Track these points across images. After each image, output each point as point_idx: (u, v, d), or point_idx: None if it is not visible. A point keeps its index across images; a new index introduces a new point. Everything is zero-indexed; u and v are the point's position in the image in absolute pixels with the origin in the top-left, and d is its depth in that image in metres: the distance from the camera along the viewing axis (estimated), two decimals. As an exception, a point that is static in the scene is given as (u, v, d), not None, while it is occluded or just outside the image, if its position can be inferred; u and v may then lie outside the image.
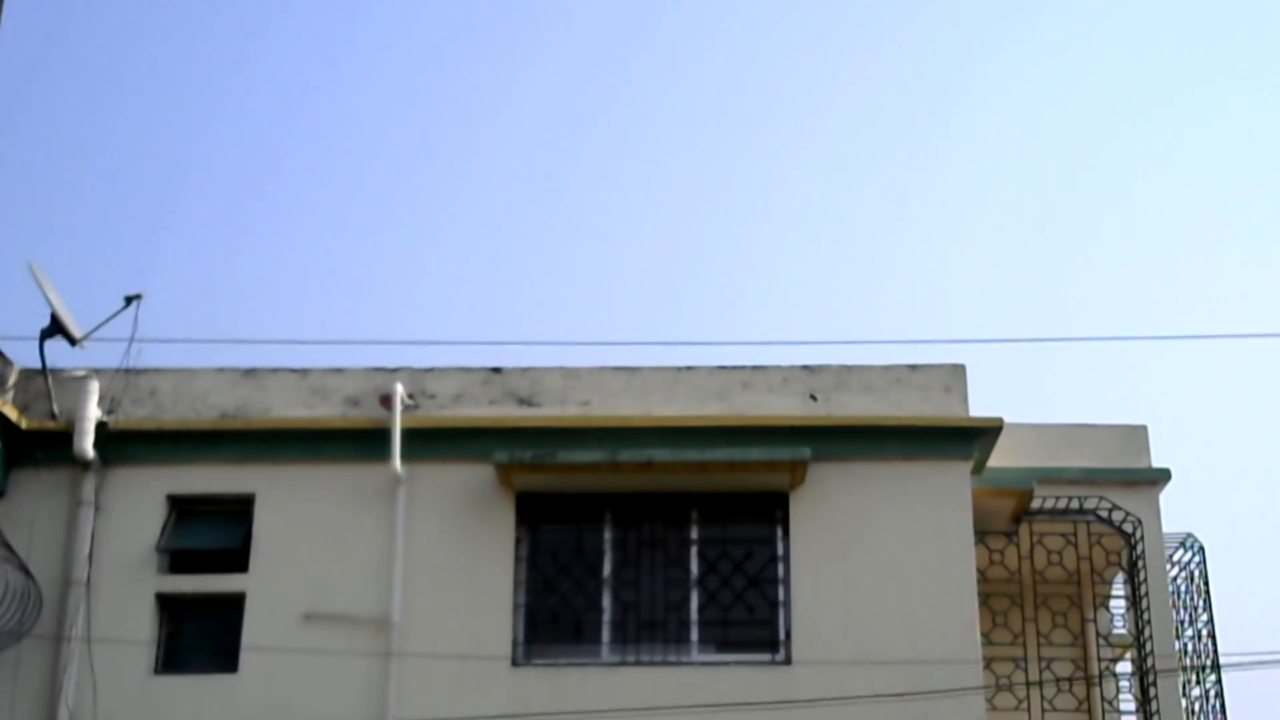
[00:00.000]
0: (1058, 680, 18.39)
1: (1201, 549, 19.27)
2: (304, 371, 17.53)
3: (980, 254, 43.79)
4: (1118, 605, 19.10)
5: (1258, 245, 43.25)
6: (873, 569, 16.66)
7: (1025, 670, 18.23)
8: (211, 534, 16.98)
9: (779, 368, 17.47)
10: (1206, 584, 19.09)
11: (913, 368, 17.52)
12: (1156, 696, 17.63)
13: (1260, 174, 43.50)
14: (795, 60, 44.27)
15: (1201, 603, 19.03)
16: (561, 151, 43.97)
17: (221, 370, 17.56)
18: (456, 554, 16.72)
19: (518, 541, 16.85)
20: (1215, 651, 18.68)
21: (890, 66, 44.46)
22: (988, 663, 17.06)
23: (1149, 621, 17.91)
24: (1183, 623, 19.05)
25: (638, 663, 16.51)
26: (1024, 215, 43.84)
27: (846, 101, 44.64)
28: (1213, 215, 43.64)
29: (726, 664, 16.48)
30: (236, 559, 16.89)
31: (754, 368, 17.47)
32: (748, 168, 44.23)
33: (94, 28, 41.96)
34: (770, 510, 16.99)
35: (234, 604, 16.74)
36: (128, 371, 17.35)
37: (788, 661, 16.43)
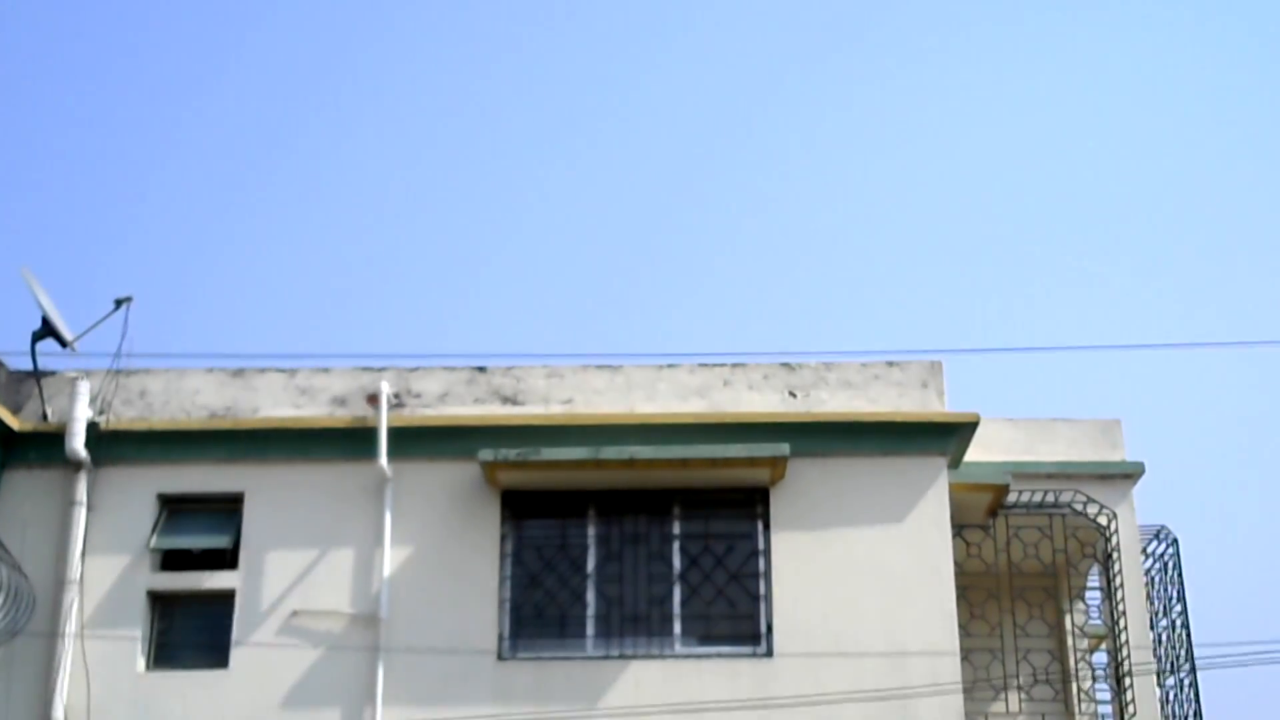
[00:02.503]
0: (1034, 671, 18.64)
1: (1175, 541, 19.47)
2: (291, 371, 17.71)
3: (962, 255, 44.03)
4: (1093, 597, 19.30)
5: (1233, 248, 43.56)
6: (852, 562, 16.83)
7: (1002, 661, 18.45)
8: (202, 532, 17.13)
9: (759, 365, 17.66)
10: (1180, 575, 19.30)
11: (890, 364, 17.70)
12: (1131, 686, 17.83)
13: (1233, 186, 43.85)
14: (778, 63, 44.47)
15: (1175, 594, 19.25)
16: (546, 154, 44.15)
17: (210, 371, 17.73)
18: (443, 550, 16.91)
19: (503, 538, 17.03)
20: (1189, 642, 18.89)
21: (871, 72, 44.69)
22: (965, 654, 17.28)
23: (1124, 613, 18.13)
24: (1157, 614, 19.26)
25: (621, 656, 16.66)
26: (1005, 217, 44.08)
27: (832, 103, 44.86)
28: (1188, 220, 43.94)
29: (709, 657, 16.64)
30: (226, 556, 17.08)
31: (734, 365, 17.66)
32: (730, 168, 44.43)
33: (84, 33, 42.08)
34: (751, 505, 17.16)
35: (224, 601, 16.91)
36: (118, 373, 17.53)
37: (769, 654, 16.60)
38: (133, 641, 16.71)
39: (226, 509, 17.23)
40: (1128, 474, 18.93)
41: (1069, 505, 18.40)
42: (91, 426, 17.07)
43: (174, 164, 43.02)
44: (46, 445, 17.08)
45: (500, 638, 16.70)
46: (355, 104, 43.79)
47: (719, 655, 16.65)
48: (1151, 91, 45.05)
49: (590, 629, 16.85)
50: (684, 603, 16.92)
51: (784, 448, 16.68)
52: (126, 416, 17.38)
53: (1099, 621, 19.03)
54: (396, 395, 17.44)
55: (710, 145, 45.07)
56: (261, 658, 16.61)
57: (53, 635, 16.54)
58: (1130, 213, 44.35)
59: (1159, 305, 43.05)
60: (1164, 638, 19.13)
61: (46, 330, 17.55)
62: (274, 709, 16.47)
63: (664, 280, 44.04)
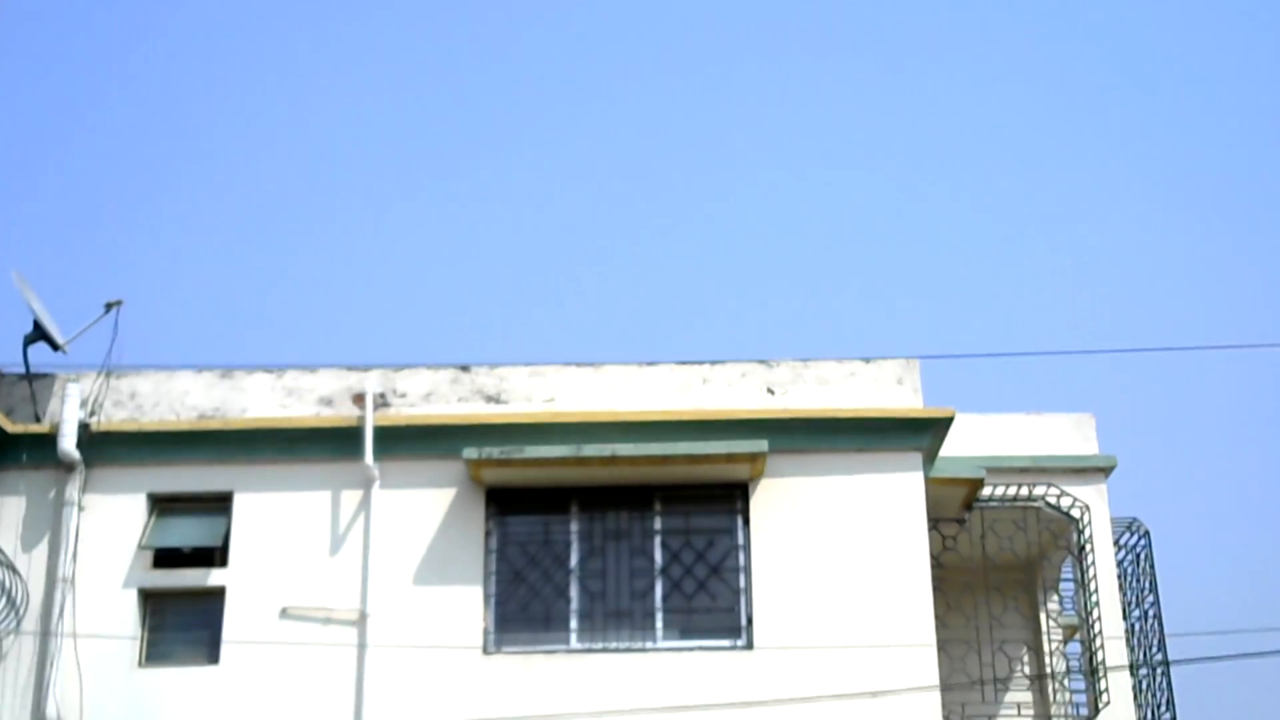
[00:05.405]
0: (1010, 662, 18.89)
1: (1147, 533, 19.71)
2: (279, 372, 17.93)
3: (941, 254, 44.28)
4: (1067, 589, 19.53)
5: (1209, 249, 43.89)
6: (830, 556, 17.05)
7: (978, 652, 18.67)
8: (192, 531, 17.33)
9: (737, 362, 17.87)
10: (1152, 567, 19.52)
11: (867, 361, 17.88)
12: (1105, 676, 18.06)
13: (1208, 189, 44.19)
14: (754, 62, 44.67)
15: (1147, 585, 19.48)
16: (528, 155, 44.32)
17: (199, 372, 17.93)
18: (428, 547, 17.14)
19: (487, 534, 17.25)
20: (1161, 632, 19.15)
21: (851, 71, 44.90)
22: (942, 646, 17.48)
23: (1097, 604, 18.36)
24: (1129, 605, 19.50)
25: (604, 650, 16.88)
26: (983, 216, 44.34)
27: (811, 103, 45.07)
28: (1165, 220, 44.28)
29: (690, 650, 16.87)
30: (216, 555, 17.26)
31: (713, 363, 17.87)
32: (711, 169, 44.63)
33: (76, 41, 42.20)
34: (731, 501, 17.38)
35: (214, 598, 17.14)
36: (109, 375, 17.74)
37: (749, 647, 16.83)
38: (125, 639, 16.91)
39: (216, 508, 17.43)
40: (1100, 468, 19.21)
41: (1043, 499, 18.63)
42: (83, 427, 17.25)
43: (164, 169, 43.22)
44: (39, 446, 17.27)
45: (485, 632, 16.93)
46: (342, 106, 43.99)
47: (700, 649, 16.87)
48: (1130, 93, 45.37)
49: (574, 623, 17.06)
50: (665, 597, 17.13)
51: (762, 444, 16.91)
52: (117, 417, 17.58)
53: (1073, 613, 19.27)
54: (382, 395, 17.66)
55: (692, 145, 45.32)
56: (252, 654, 16.81)
57: (46, 634, 16.77)
58: (1108, 213, 44.65)
59: (1134, 302, 43.35)
60: (1136, 628, 19.36)
61: (38, 334, 17.76)
62: (264, 704, 16.67)
63: (645, 280, 44.28)
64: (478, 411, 17.62)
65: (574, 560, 17.27)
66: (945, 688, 17.32)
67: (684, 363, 17.94)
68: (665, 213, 44.52)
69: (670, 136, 44.67)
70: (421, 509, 17.28)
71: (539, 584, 17.22)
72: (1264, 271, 43.09)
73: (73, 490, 17.16)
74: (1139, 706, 18.93)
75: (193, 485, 17.49)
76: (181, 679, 16.85)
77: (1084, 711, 18.50)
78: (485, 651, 16.87)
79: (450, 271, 44.30)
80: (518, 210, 43.63)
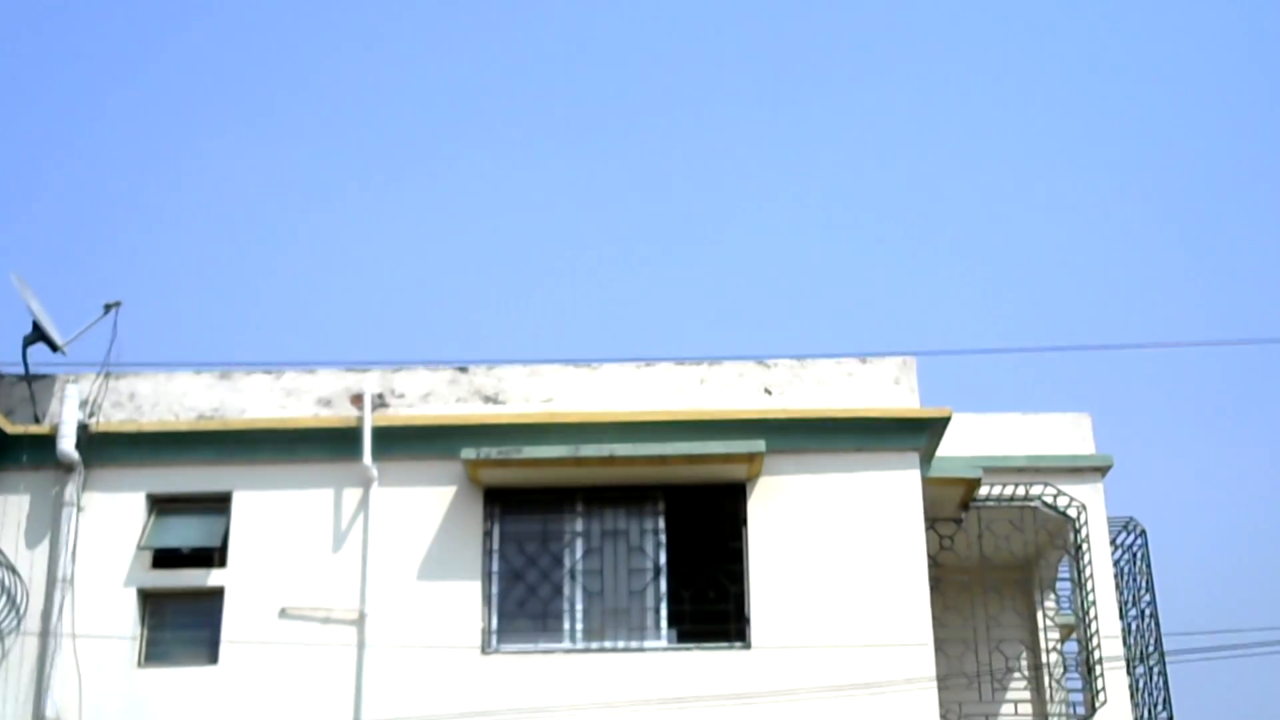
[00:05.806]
0: (1007, 661, 18.93)
1: (1143, 532, 19.76)
2: (277, 373, 17.97)
3: (937, 253, 44.33)
4: (1064, 587, 19.57)
5: (1203, 247, 43.97)
6: (828, 556, 17.08)
7: (975, 652, 18.71)
8: (191, 532, 17.37)
9: (734, 362, 17.90)
10: (1148, 566, 19.57)
11: (863, 361, 17.91)
12: (1102, 675, 18.10)
13: (1202, 188, 44.28)
14: (753, 62, 44.71)
15: (1144, 584, 19.53)
16: (526, 156, 44.37)
17: (198, 373, 17.97)
18: (427, 547, 17.18)
19: (486, 534, 17.30)
20: (1158, 630, 19.19)
21: (848, 71, 44.94)
22: (939, 645, 17.46)
23: (1093, 603, 18.40)
24: (1126, 603, 19.55)
25: (603, 649, 16.93)
26: (978, 215, 44.40)
27: (808, 103, 45.12)
28: (1158, 219, 44.36)
29: (688, 649, 16.90)
30: (215, 555, 17.29)
31: (710, 363, 17.90)
32: (707, 170, 44.67)
33: (75, 41, 42.24)
34: (729, 500, 17.40)
35: (213, 599, 17.18)
36: (108, 376, 17.78)
37: (747, 646, 16.86)
38: (124, 639, 16.96)
39: (215, 508, 17.46)
40: (1097, 467, 19.25)
41: (1039, 498, 18.66)
42: (82, 428, 17.28)
43: (163, 169, 43.26)
44: (38, 447, 17.31)
45: (485, 632, 16.97)
46: (340, 106, 44.02)
47: (699, 648, 16.91)
48: (1124, 92, 45.43)
49: (572, 623, 17.10)
50: (664, 597, 17.15)
51: (760, 444, 16.94)
52: (116, 418, 17.62)
53: (1070, 611, 19.29)
54: (380, 395, 17.70)
55: (689, 145, 45.36)
56: (251, 654, 16.85)
57: (46, 634, 16.81)
58: (1104, 211, 44.72)
59: (1131, 301, 43.42)
60: (1133, 627, 19.40)
61: (37, 335, 17.80)
62: (263, 704, 16.71)
63: (642, 280, 44.33)
64: (476, 412, 17.66)
65: (572, 560, 17.31)
66: (942, 687, 17.34)
67: (681, 363, 17.97)
68: (662, 213, 44.57)
69: (667, 136, 44.73)
70: (420, 509, 17.31)
71: (537, 583, 17.26)
72: (1261, 270, 43.18)
73: (72, 491, 17.19)
74: (1136, 705, 18.97)
75: (192, 486, 17.52)
76: (181, 679, 16.89)
77: (1081, 710, 18.54)
78: (484, 651, 16.90)
79: (448, 271, 44.35)
80: (515, 210, 43.68)
